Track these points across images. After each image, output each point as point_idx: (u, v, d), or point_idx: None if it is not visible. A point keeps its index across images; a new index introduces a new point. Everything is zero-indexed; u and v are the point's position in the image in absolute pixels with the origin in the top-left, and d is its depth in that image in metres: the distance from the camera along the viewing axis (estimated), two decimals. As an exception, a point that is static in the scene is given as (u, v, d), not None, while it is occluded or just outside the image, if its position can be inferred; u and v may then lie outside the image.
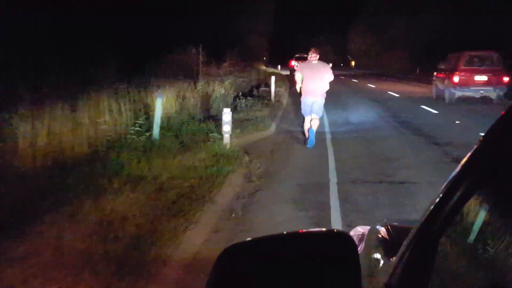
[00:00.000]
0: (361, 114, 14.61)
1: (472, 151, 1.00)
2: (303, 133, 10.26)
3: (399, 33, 57.09)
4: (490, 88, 17.72)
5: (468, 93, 17.93)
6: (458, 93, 18.02)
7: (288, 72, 41.46)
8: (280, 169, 7.71)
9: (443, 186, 1.07)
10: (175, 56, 17.59)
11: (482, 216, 1.02)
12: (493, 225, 0.98)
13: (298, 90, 9.83)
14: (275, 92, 20.10)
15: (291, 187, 6.64)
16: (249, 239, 1.12)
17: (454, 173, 1.04)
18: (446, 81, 18.71)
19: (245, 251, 1.06)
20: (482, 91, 17.87)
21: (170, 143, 8.11)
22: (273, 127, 11.98)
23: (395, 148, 9.31)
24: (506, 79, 17.62)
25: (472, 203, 1.03)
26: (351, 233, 1.98)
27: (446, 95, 18.47)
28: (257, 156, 8.64)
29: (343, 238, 1.09)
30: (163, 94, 8.92)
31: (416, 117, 13.90)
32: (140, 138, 7.77)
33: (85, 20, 15.17)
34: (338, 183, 6.74)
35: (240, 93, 17.89)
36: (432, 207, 1.08)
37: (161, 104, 8.39)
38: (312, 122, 9.48)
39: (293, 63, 40.57)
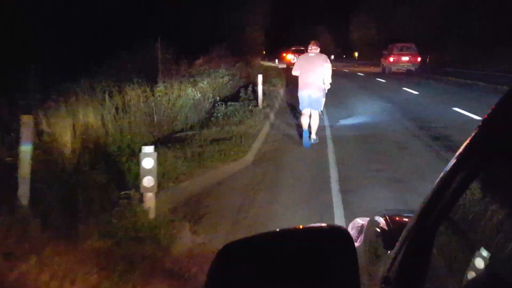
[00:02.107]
0: (378, 126, 10.79)
1: (467, 141, 0.99)
2: (300, 133, 9.28)
3: (404, 22, 54.88)
4: (410, 64, 30.76)
5: (398, 67, 31.12)
6: (393, 68, 31.20)
7: (284, 66, 37.78)
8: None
9: (439, 177, 1.05)
10: (137, 52, 13.87)
11: (479, 206, 1.00)
12: (490, 215, 0.94)
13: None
14: (265, 93, 16.31)
15: None
16: (246, 236, 1.06)
17: (450, 164, 1.03)
18: (386, 61, 31.97)
19: (243, 248, 1.05)
20: (406, 66, 30.90)
21: (43, 215, 4.34)
22: (251, 153, 8.21)
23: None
24: (419, 59, 31.03)
25: (469, 194, 1.01)
26: (351, 225, 2.02)
27: (386, 69, 31.82)
28: (208, 225, 4.90)
29: (340, 232, 1.10)
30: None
31: (455, 128, 10.05)
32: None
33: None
34: None
35: (218, 98, 14.14)
36: (428, 198, 1.09)
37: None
38: (311, 120, 8.74)
39: (289, 56, 36.92)
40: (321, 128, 10.19)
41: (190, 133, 10.16)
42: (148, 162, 4.50)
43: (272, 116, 12.42)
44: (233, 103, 13.89)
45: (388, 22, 59.22)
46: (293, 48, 38.27)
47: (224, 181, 6.72)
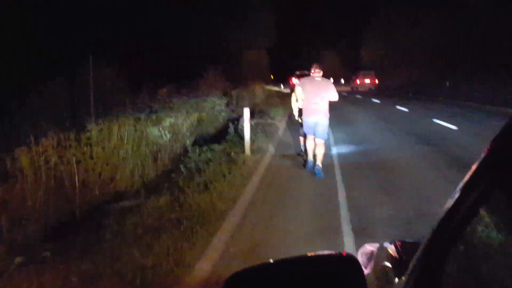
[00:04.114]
0: (417, 188, 7.00)
1: (479, 160, 0.95)
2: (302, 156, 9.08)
3: (417, 41, 51.94)
4: (371, 85, 44.86)
5: (362, 87, 44.61)
6: (359, 88, 44.54)
7: (289, 90, 34.41)
8: None
9: (450, 198, 1.01)
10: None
11: (491, 229, 0.94)
12: (504, 238, 0.90)
13: (296, 114, 9.18)
14: (259, 129, 12.72)
15: None
16: (256, 264, 1.07)
17: (461, 184, 0.99)
18: (354, 83, 46.63)
19: (253, 276, 1.05)
20: (368, 87, 44.60)
21: None
22: (204, 265, 4.46)
23: None
24: (376, 81, 45.47)
25: (481, 216, 0.95)
26: (360, 250, 1.96)
27: (354, 88, 44.94)
28: None
29: (350, 260, 1.13)
30: None
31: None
32: None
33: None
34: None
35: (188, 141, 10.55)
36: (438, 224, 1.04)
37: None
38: (316, 150, 8.14)
39: (293, 80, 33.89)
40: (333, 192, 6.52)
41: (127, 203, 6.56)
42: None
43: (261, 169, 8.65)
44: (213, 146, 10.33)
45: (400, 44, 56.19)
46: (297, 73, 34.97)
47: None
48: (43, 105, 8.50)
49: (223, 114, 17.57)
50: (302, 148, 9.20)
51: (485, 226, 0.96)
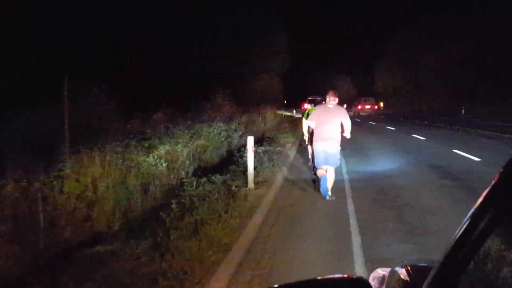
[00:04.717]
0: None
1: (491, 186, 0.95)
2: (313, 182, 8.98)
3: (434, 68, 51.41)
4: (371, 110, 55.03)
5: (363, 112, 52.45)
6: (361, 113, 51.20)
7: (300, 115, 33.64)
8: None
9: (462, 223, 1.00)
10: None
11: (503, 253, 0.95)
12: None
13: (305, 135, 9.67)
14: (266, 158, 11.70)
15: None
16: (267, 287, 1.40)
17: (473, 210, 0.99)
18: (356, 108, 55.32)
19: None
20: (368, 112, 52.67)
21: None
22: None
23: None
24: (376, 107, 58.70)
25: (492, 240, 0.95)
26: (372, 275, 1.94)
27: (356, 113, 48.58)
28: None
29: (361, 284, 1.14)
30: None
31: None
32: None
33: None
34: None
35: (186, 171, 9.53)
36: (450, 247, 1.03)
37: None
38: (327, 174, 7.98)
39: (305, 106, 33.20)
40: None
41: (101, 249, 5.50)
42: None
43: (265, 206, 7.55)
44: (213, 178, 9.27)
45: (415, 71, 55.65)
46: (309, 98, 34.30)
47: None
48: (16, 131, 7.57)
49: (229, 140, 16.59)
50: (310, 153, 9.52)
51: (494, 252, 0.94)
